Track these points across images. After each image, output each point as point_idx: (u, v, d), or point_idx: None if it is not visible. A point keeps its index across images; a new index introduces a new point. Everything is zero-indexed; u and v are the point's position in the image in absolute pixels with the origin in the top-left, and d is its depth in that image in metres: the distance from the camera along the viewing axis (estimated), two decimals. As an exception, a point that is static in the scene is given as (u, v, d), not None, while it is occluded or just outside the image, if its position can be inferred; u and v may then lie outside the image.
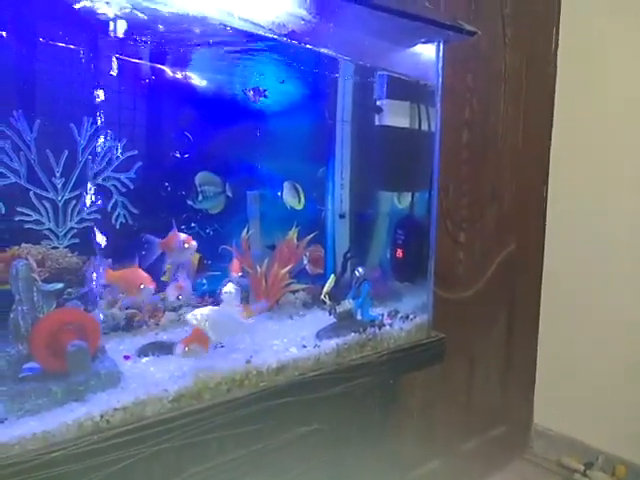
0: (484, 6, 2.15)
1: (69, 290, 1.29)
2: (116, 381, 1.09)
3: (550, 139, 2.57)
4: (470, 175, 2.24)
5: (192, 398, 1.12)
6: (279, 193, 1.66)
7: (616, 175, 2.37)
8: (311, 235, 1.68)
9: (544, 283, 2.65)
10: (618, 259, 2.37)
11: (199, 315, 1.15)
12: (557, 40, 2.50)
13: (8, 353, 1.01)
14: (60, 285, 1.25)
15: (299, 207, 1.66)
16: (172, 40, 1.35)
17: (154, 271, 1.32)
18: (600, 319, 2.44)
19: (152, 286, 1.28)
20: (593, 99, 2.42)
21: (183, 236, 1.34)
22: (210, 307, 1.22)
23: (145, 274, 1.28)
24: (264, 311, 1.56)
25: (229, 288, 1.33)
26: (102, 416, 1.00)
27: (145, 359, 1.23)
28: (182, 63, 1.43)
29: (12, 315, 1.02)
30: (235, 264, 1.45)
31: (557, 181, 2.57)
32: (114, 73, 1.34)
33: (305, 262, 1.69)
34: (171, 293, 1.34)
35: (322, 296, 1.54)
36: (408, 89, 1.71)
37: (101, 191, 1.36)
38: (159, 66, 1.41)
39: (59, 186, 1.32)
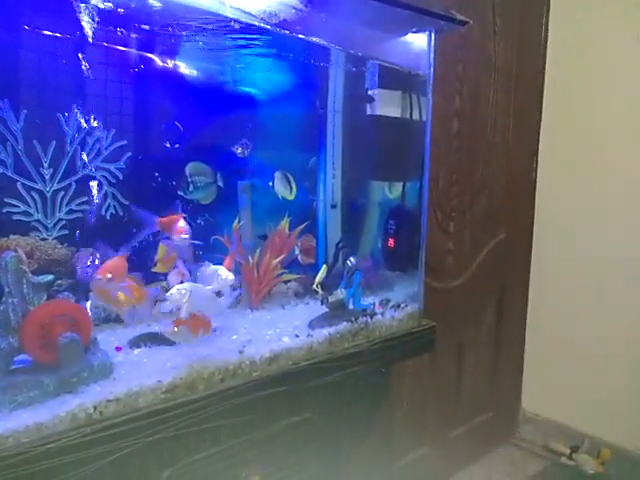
0: (475, -6, 2.14)
1: (59, 282, 1.28)
2: (109, 373, 1.09)
3: (540, 128, 2.58)
4: (460, 165, 2.24)
5: (186, 389, 1.12)
6: (270, 183, 1.66)
7: (607, 162, 2.39)
8: (303, 225, 1.67)
9: (533, 271, 2.68)
10: (607, 247, 2.40)
11: (183, 289, 1.16)
12: (547, 29, 2.51)
13: (-1, 346, 1.00)
14: (50, 277, 1.24)
15: (291, 197, 1.66)
16: (161, 29, 1.33)
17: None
18: (587, 306, 2.48)
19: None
20: (583, 88, 2.43)
21: (182, 223, 1.32)
22: (191, 283, 1.22)
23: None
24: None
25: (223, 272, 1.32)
26: (95, 408, 1.00)
27: (137, 350, 1.23)
28: (172, 52, 1.41)
29: (2, 308, 1.01)
30: (228, 261, 1.44)
31: (547, 170, 2.59)
32: (102, 62, 1.32)
33: (297, 252, 1.69)
34: (173, 279, 1.33)
35: (314, 286, 1.55)
36: (399, 79, 1.70)
37: (90, 182, 1.35)
38: (148, 55, 1.39)
39: (47, 177, 1.31)
